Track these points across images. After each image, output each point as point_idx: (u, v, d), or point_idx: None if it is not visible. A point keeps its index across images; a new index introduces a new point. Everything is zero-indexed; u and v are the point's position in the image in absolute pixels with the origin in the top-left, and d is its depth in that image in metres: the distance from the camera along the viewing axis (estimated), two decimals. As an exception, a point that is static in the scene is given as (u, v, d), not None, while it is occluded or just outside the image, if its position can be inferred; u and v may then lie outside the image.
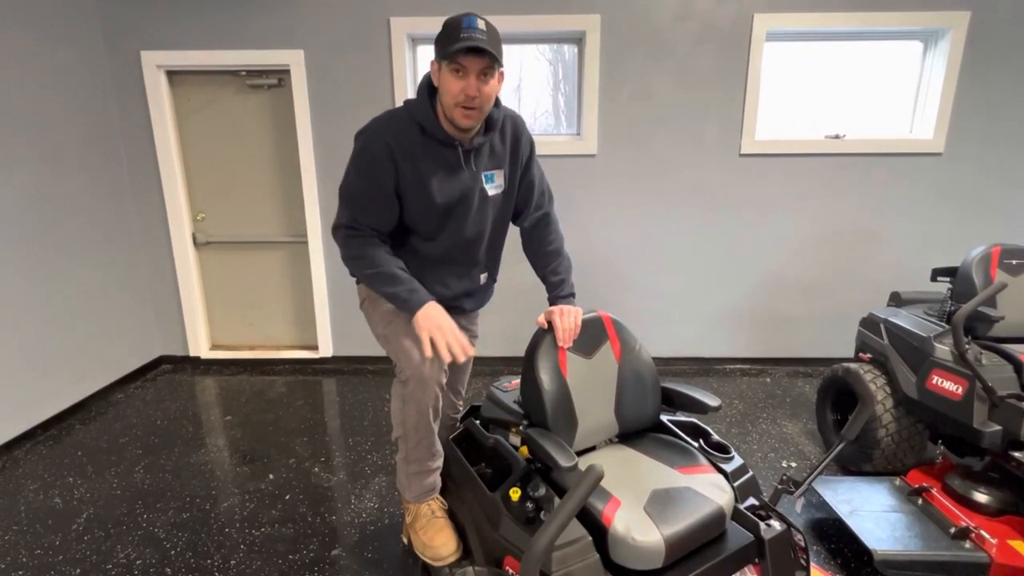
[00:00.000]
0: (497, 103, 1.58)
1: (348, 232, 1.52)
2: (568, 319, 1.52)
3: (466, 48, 1.33)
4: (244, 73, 3.29)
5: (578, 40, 3.24)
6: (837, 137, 3.28)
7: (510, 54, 3.35)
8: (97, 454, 2.57)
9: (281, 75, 3.29)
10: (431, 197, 1.50)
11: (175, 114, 3.37)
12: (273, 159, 3.43)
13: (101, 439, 2.71)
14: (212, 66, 3.23)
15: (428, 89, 1.49)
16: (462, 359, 1.45)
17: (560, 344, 1.51)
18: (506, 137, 1.62)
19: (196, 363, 3.65)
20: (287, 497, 2.23)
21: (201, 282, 3.64)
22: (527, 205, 1.73)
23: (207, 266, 3.63)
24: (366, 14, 3.12)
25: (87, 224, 3.08)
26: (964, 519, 1.76)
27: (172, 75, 3.31)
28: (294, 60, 3.18)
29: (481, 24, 1.37)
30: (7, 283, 2.61)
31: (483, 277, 1.75)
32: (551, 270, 1.71)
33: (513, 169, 1.65)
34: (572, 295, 1.68)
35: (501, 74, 1.46)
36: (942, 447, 2.07)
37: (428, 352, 1.42)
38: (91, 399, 3.09)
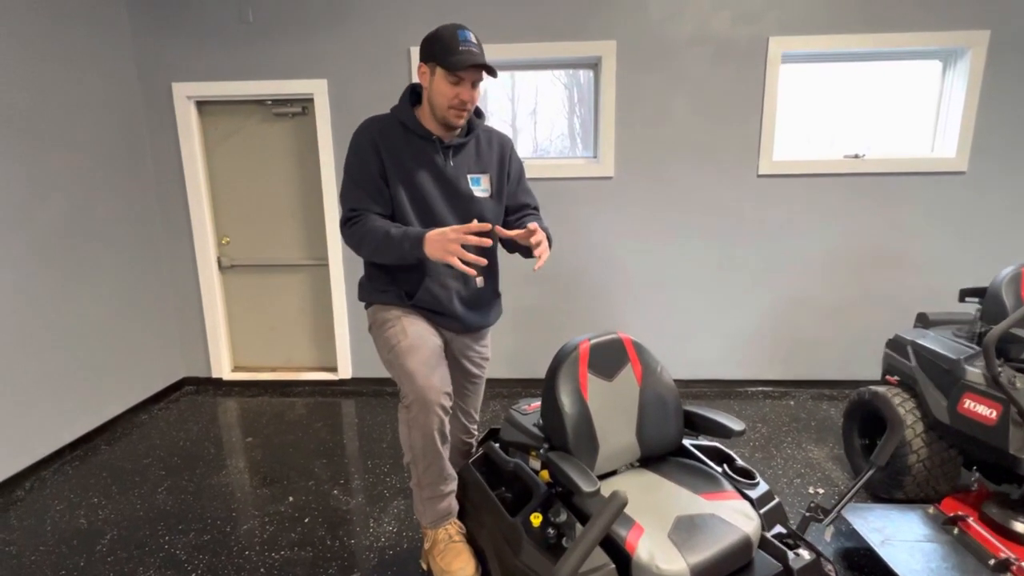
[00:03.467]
0: (479, 113, 1.71)
1: (350, 217, 1.60)
2: (541, 234, 1.53)
3: (469, 64, 1.47)
4: (270, 102, 3.40)
5: (594, 65, 3.30)
6: (856, 157, 3.26)
7: (526, 79, 3.42)
8: (122, 475, 2.61)
9: (305, 104, 3.39)
10: (413, 187, 1.60)
11: (203, 142, 3.49)
12: (296, 185, 3.52)
13: (126, 460, 2.75)
14: (239, 96, 3.34)
15: (411, 94, 1.63)
16: (487, 241, 1.45)
17: (537, 254, 1.52)
18: (492, 146, 1.73)
19: (219, 384, 3.70)
20: (306, 520, 2.23)
21: (225, 305, 3.71)
22: (516, 214, 1.82)
23: (231, 289, 3.70)
24: (387, 44, 3.22)
25: (117, 247, 3.18)
26: (1004, 550, 1.68)
27: (201, 105, 3.43)
28: (317, 89, 3.28)
29: (474, 38, 1.52)
30: (39, 304, 2.70)
31: (479, 280, 1.75)
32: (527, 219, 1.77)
33: (500, 176, 1.74)
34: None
35: None
36: (977, 474, 1.99)
37: (469, 269, 1.45)
38: (117, 419, 3.14)
